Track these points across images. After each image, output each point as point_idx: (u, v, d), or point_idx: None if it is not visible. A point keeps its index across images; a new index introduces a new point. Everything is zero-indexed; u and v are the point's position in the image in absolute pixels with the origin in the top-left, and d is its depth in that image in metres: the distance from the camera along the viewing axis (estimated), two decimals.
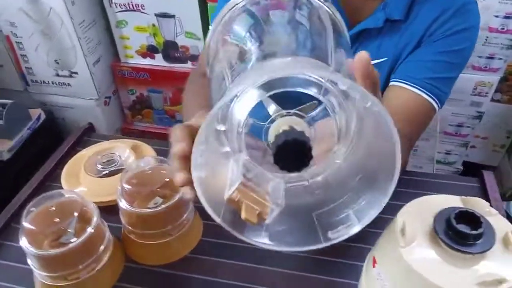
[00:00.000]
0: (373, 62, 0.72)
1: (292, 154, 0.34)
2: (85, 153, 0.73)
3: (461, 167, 1.56)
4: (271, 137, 0.36)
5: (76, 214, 0.54)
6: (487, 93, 1.35)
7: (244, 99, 0.37)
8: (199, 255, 0.62)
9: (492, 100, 1.40)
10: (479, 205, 0.46)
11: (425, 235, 0.44)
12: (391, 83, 0.69)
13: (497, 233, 0.43)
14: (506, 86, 1.38)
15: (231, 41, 0.43)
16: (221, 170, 0.39)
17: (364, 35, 0.70)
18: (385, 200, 0.37)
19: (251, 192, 0.38)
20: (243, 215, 0.37)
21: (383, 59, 0.71)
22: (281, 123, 0.36)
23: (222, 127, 0.38)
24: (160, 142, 0.80)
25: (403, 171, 0.73)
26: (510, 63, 1.31)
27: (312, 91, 0.37)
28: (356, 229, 0.40)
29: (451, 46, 0.67)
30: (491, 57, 1.28)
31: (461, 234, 0.41)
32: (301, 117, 0.38)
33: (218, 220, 0.36)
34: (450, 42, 0.67)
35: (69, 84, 1.52)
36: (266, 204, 0.38)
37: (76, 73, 1.48)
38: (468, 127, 1.45)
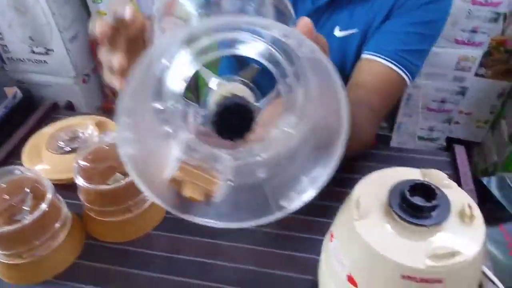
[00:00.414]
0: (344, 33, 0.69)
1: (233, 119, 0.32)
2: (47, 130, 0.71)
3: (445, 143, 1.55)
4: (211, 106, 0.34)
5: (28, 190, 0.52)
6: (470, 67, 1.33)
7: (179, 70, 0.35)
8: (162, 232, 0.61)
9: (476, 75, 1.38)
10: (437, 177, 0.45)
11: (380, 208, 0.43)
12: (362, 56, 0.67)
13: (453, 206, 0.41)
14: (490, 60, 1.36)
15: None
16: (163, 151, 0.37)
17: (335, 4, 0.68)
18: (334, 161, 0.36)
19: (197, 170, 0.36)
20: (187, 193, 0.35)
21: (354, 31, 0.68)
22: (222, 90, 0.34)
23: (159, 105, 0.35)
24: None
25: (372, 145, 0.71)
26: (494, 37, 1.29)
27: (255, 55, 0.35)
28: (309, 194, 0.39)
29: (423, 17, 0.65)
30: (474, 31, 1.26)
31: (414, 207, 0.40)
32: (245, 84, 0.36)
33: (155, 199, 0.35)
34: (422, 13, 0.64)
35: (45, 61, 1.48)
36: (214, 181, 0.36)
37: (52, 50, 1.44)
38: (452, 102, 1.44)
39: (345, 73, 0.72)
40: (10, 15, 1.37)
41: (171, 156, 0.36)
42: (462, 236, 0.40)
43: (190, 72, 0.34)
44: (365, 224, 0.42)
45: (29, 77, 1.53)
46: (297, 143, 0.40)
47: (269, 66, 0.35)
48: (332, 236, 0.47)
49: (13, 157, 0.71)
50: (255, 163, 0.40)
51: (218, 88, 0.35)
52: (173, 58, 0.34)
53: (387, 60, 0.65)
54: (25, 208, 0.54)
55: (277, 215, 0.38)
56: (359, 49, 0.70)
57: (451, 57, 1.32)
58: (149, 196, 0.34)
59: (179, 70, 0.35)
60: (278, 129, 0.39)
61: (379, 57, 0.65)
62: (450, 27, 1.26)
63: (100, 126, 0.71)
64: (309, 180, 0.39)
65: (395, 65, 0.65)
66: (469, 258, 0.39)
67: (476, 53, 1.31)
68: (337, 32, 0.69)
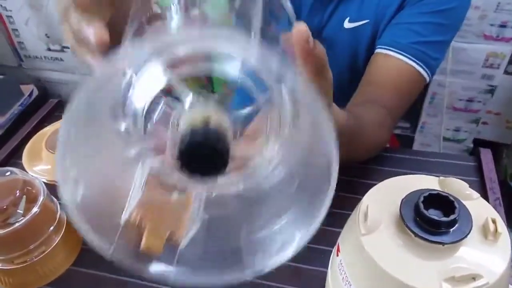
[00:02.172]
0: (354, 24, 0.64)
1: (200, 159, 0.26)
2: (49, 129, 0.69)
3: (472, 145, 1.47)
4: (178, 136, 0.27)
5: (18, 192, 0.50)
6: (499, 65, 1.25)
7: (146, 81, 0.28)
8: None
9: (506, 72, 1.30)
10: (457, 187, 0.40)
11: (390, 221, 0.38)
12: (376, 50, 0.63)
13: (475, 221, 0.36)
14: None
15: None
16: (123, 183, 0.30)
17: None
18: (314, 224, 0.29)
19: (159, 209, 0.30)
20: (142, 244, 0.28)
21: (364, 21, 0.63)
22: (192, 115, 0.27)
23: (122, 125, 0.28)
24: None
25: (392, 147, 0.66)
26: None
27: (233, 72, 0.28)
28: (287, 253, 0.31)
29: (440, 5, 0.59)
30: (503, 25, 1.18)
31: (429, 221, 0.35)
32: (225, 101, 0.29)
33: (107, 252, 0.28)
34: (438, 0, 0.59)
35: (61, 59, 1.48)
36: (182, 223, 0.31)
37: (67, 47, 1.44)
38: (479, 102, 1.36)
39: (358, 66, 0.67)
40: (26, 12, 1.37)
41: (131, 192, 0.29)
42: (484, 255, 0.36)
43: (159, 86, 0.28)
44: (374, 240, 0.37)
45: (45, 75, 1.54)
46: (280, 179, 0.34)
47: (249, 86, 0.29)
48: (338, 249, 0.42)
49: (15, 157, 0.70)
50: (230, 195, 0.32)
51: (189, 111, 0.28)
52: (141, 68, 0.28)
53: (402, 54, 0.60)
54: (19, 211, 0.52)
55: (249, 274, 0.30)
56: (372, 41, 0.65)
57: (479, 53, 1.24)
58: (102, 251, 0.28)
59: (147, 82, 0.29)
60: (261, 157, 0.32)
61: (394, 51, 0.60)
62: (477, 21, 1.19)
63: None
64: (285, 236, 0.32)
65: (411, 59, 0.60)
66: (493, 281, 0.34)
67: (506, 49, 1.23)
68: (347, 24, 0.64)
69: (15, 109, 1.35)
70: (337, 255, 0.42)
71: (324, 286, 0.48)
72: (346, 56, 0.68)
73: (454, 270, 0.34)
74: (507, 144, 1.49)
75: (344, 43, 0.66)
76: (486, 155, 0.63)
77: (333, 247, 0.46)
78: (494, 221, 0.37)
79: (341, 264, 0.41)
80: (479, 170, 0.62)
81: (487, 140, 1.50)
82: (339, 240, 0.43)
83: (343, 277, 0.40)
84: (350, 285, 0.39)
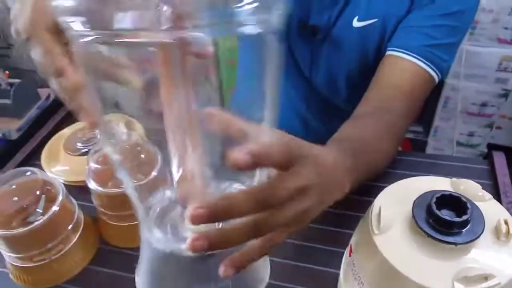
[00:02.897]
0: (363, 23, 0.64)
1: None
2: (67, 131, 0.70)
3: (486, 150, 1.46)
4: None
5: (38, 192, 0.51)
6: None
7: None
8: None
9: None
10: (470, 188, 0.40)
11: (403, 221, 0.38)
12: (387, 53, 0.63)
13: (487, 222, 0.37)
14: None
15: None
16: None
17: None
18: None
19: None
20: None
21: (373, 20, 0.64)
22: None
23: None
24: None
25: (404, 151, 0.67)
26: None
27: None
28: None
29: (449, 8, 0.60)
30: None
31: (442, 222, 0.35)
32: None
33: None
34: (447, 3, 0.60)
35: None
36: None
37: None
38: (493, 106, 1.35)
39: (368, 65, 0.68)
40: None
41: None
42: (496, 256, 0.36)
43: None
44: (386, 240, 0.37)
45: None
46: None
47: None
48: (351, 250, 0.43)
49: (33, 158, 0.72)
50: None
51: None
52: None
53: (414, 56, 0.60)
54: (38, 210, 0.53)
55: None
56: (380, 40, 0.65)
57: (493, 57, 1.23)
58: None
59: None
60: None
61: (406, 53, 0.61)
62: (491, 25, 1.18)
63: (128, 126, 0.70)
64: None
65: (423, 61, 0.60)
66: (505, 281, 0.34)
67: None
68: (356, 23, 0.65)
69: (32, 112, 1.38)
70: (350, 255, 0.43)
71: (336, 287, 0.48)
72: (355, 55, 0.68)
73: (466, 270, 0.34)
74: None
75: (353, 41, 0.66)
76: (500, 158, 0.63)
77: (344, 249, 0.46)
78: (506, 222, 0.37)
79: (354, 264, 0.41)
80: (493, 173, 0.61)
81: (502, 145, 1.48)
82: (352, 241, 0.43)
83: (355, 277, 0.41)
84: (363, 284, 0.39)
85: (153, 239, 0.35)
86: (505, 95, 1.32)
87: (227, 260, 0.31)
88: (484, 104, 1.35)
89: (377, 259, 0.37)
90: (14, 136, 1.31)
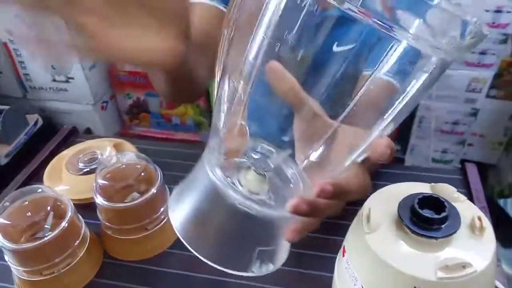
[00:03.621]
0: (342, 48, 0.70)
1: None
2: (67, 153, 0.74)
3: (459, 166, 1.54)
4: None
5: (49, 208, 0.54)
6: (481, 89, 1.34)
7: None
8: (177, 250, 0.62)
9: (488, 96, 1.38)
10: (447, 191, 0.46)
11: (390, 221, 0.43)
12: (365, 73, 0.69)
13: (463, 218, 0.42)
14: (501, 81, 1.36)
15: None
16: None
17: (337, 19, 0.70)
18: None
19: None
20: None
21: (351, 46, 0.70)
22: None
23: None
24: (145, 142, 0.81)
25: (385, 165, 0.72)
26: (504, 58, 1.30)
27: None
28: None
29: None
30: (483, 53, 1.27)
31: (424, 219, 0.40)
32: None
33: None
34: None
35: (65, 90, 1.54)
36: None
37: (72, 78, 1.50)
38: (464, 124, 1.44)
39: (346, 89, 0.73)
40: None
41: None
42: (472, 248, 0.41)
43: None
44: (376, 238, 0.42)
45: (50, 105, 1.59)
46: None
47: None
48: (344, 250, 0.47)
49: (34, 179, 0.74)
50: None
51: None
52: None
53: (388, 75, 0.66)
54: (46, 226, 0.56)
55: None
56: (357, 65, 0.71)
57: (462, 78, 1.33)
58: None
59: None
60: None
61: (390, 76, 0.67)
62: None
63: (117, 147, 0.74)
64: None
65: (392, 77, 0.66)
66: (480, 269, 0.39)
67: (487, 75, 1.32)
68: (335, 48, 0.70)
69: (21, 138, 1.39)
70: (343, 256, 0.47)
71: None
72: (335, 78, 0.73)
73: (447, 260, 0.39)
74: (493, 165, 1.56)
75: (333, 66, 0.71)
76: (472, 169, 0.69)
77: (335, 254, 0.51)
78: (480, 219, 0.42)
79: (347, 263, 0.46)
80: (466, 182, 0.68)
81: (473, 161, 1.57)
82: (345, 242, 0.48)
83: (349, 274, 0.45)
84: (357, 280, 0.44)
85: (212, 174, 0.35)
86: (474, 114, 1.42)
87: (292, 228, 0.34)
88: (456, 123, 1.44)
89: (369, 255, 0.42)
90: (3, 161, 1.32)
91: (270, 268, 0.38)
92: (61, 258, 0.55)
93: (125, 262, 0.60)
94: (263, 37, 0.31)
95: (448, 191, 0.46)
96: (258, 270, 0.37)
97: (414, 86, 0.29)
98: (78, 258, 0.57)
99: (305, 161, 0.35)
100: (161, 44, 0.37)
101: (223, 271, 0.57)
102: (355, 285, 0.44)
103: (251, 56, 0.32)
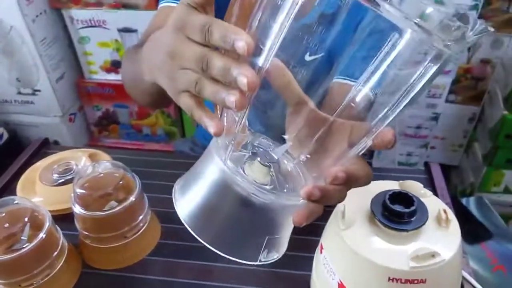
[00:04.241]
0: (313, 57, 0.73)
1: None
2: (40, 164, 0.73)
3: (423, 168, 1.60)
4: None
5: (26, 219, 0.54)
6: (441, 94, 1.41)
7: None
8: (157, 257, 0.62)
9: (447, 101, 1.46)
10: (414, 187, 0.49)
11: (364, 217, 0.46)
12: (335, 80, 0.72)
13: (430, 212, 0.45)
14: (459, 87, 1.44)
15: None
16: None
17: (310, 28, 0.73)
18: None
19: None
20: None
21: (321, 55, 0.73)
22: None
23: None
24: (118, 151, 0.81)
25: None
26: (461, 65, 1.38)
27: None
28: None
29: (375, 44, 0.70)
30: None
31: (395, 213, 0.43)
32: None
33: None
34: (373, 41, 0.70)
35: (32, 102, 1.50)
36: None
37: (39, 90, 1.47)
38: (426, 128, 1.51)
39: (317, 94, 0.76)
40: None
41: None
42: (440, 238, 0.44)
43: None
44: (351, 233, 0.45)
45: (15, 118, 1.55)
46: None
47: None
48: (322, 247, 0.50)
49: (7, 192, 0.73)
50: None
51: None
52: None
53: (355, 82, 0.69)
54: (23, 238, 0.55)
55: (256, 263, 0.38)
56: (328, 73, 0.74)
57: None
58: None
59: None
60: None
61: (349, 80, 0.70)
62: None
63: (92, 157, 0.73)
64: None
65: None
66: (448, 258, 0.42)
67: (445, 81, 1.39)
68: (307, 57, 0.73)
69: None
70: (321, 253, 0.49)
71: (309, 285, 0.54)
72: (307, 85, 0.76)
73: (417, 251, 0.42)
74: (455, 166, 1.64)
75: (304, 74, 0.74)
76: (436, 168, 0.73)
77: (312, 253, 0.53)
78: (445, 212, 0.45)
79: (325, 258, 0.48)
80: (431, 180, 0.72)
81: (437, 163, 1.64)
82: (322, 240, 0.50)
83: (327, 270, 0.47)
84: (335, 274, 0.46)
85: (222, 164, 0.35)
86: (435, 118, 1.49)
87: (301, 212, 0.35)
88: (418, 127, 1.51)
89: (345, 250, 0.44)
90: None
91: (275, 256, 0.39)
92: (40, 269, 0.54)
93: (104, 271, 0.60)
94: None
95: (415, 188, 0.49)
96: (265, 259, 0.38)
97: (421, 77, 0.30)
98: (56, 269, 0.56)
99: (304, 154, 0.37)
100: None
101: (203, 273, 0.59)
102: (333, 279, 0.47)
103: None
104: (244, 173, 0.35)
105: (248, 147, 0.37)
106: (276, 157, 0.36)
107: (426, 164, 0.78)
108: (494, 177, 1.41)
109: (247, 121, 0.35)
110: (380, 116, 0.33)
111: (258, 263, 0.37)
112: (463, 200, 1.27)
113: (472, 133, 1.54)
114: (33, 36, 1.36)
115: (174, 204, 0.37)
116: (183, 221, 0.36)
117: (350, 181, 0.34)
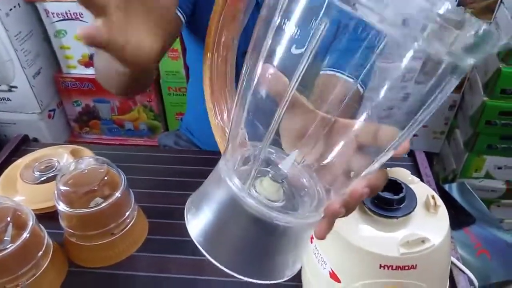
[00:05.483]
0: (299, 51, 0.73)
1: None
2: (21, 161, 0.71)
3: (406, 156, 1.63)
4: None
5: (9, 219, 0.52)
6: None
7: None
8: (146, 253, 0.61)
9: None
10: (402, 174, 0.49)
11: None
12: (322, 72, 0.72)
13: (419, 198, 0.45)
14: None
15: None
16: None
17: None
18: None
19: None
20: None
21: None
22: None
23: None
24: (101, 147, 0.79)
25: None
26: None
27: None
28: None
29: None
30: None
31: (384, 200, 0.44)
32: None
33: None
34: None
35: (8, 99, 1.46)
36: None
37: (15, 87, 1.42)
38: None
39: (306, 87, 0.76)
40: None
41: None
42: (429, 224, 0.44)
43: None
44: (342, 222, 0.44)
45: None
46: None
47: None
48: (312, 237, 0.49)
49: None
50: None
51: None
52: None
53: (342, 73, 0.69)
54: (6, 238, 0.54)
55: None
56: (312, 65, 0.75)
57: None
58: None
59: None
60: None
61: (337, 71, 0.70)
62: None
63: (74, 154, 0.72)
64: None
65: (351, 78, 0.70)
66: (437, 243, 0.42)
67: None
68: (294, 50, 0.73)
69: None
70: (311, 242, 0.49)
71: (299, 277, 0.54)
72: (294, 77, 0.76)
73: (407, 237, 0.42)
74: (437, 153, 1.67)
75: (291, 67, 0.75)
76: (421, 155, 0.74)
77: None
78: (433, 197, 0.46)
79: (316, 248, 0.48)
80: (416, 167, 0.72)
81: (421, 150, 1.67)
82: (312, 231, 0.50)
83: (318, 260, 0.47)
84: (326, 264, 0.46)
85: (231, 184, 0.34)
86: None
87: (322, 226, 0.34)
88: None
89: (336, 239, 0.44)
90: None
91: (299, 265, 0.38)
92: (25, 270, 0.53)
93: (91, 269, 0.59)
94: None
95: (403, 174, 0.49)
96: (291, 272, 0.36)
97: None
98: (42, 269, 0.55)
99: (312, 160, 0.36)
100: (155, 44, 0.40)
101: (193, 267, 0.58)
102: (324, 269, 0.47)
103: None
104: (256, 191, 0.34)
105: (254, 160, 0.35)
106: (285, 171, 0.35)
107: (411, 152, 0.79)
108: (475, 163, 1.43)
109: (246, 134, 0.34)
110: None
111: (286, 278, 0.36)
112: (446, 186, 1.29)
113: (453, 121, 1.56)
114: (8, 31, 1.32)
115: (187, 226, 0.35)
116: (198, 245, 0.35)
117: (373, 192, 0.34)
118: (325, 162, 0.34)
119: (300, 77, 0.32)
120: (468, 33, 0.24)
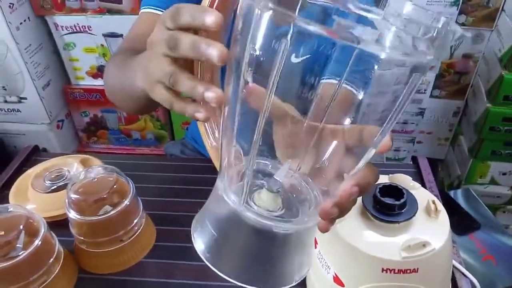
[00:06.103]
0: (299, 59, 0.74)
1: None
2: (32, 171, 0.73)
3: (411, 163, 1.63)
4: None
5: (21, 227, 0.54)
6: (425, 89, 1.43)
7: None
8: (154, 259, 0.63)
9: (432, 96, 1.49)
10: (403, 180, 0.50)
11: (356, 210, 0.47)
12: (321, 81, 0.73)
13: (420, 203, 0.47)
14: (443, 82, 1.47)
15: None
16: None
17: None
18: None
19: None
20: None
21: (306, 56, 0.74)
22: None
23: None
24: (110, 156, 0.81)
25: None
26: (443, 60, 1.41)
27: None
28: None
29: None
30: None
31: (386, 205, 0.45)
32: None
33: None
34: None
35: (18, 110, 1.49)
36: None
37: (25, 98, 1.45)
38: (413, 123, 1.53)
39: (304, 95, 0.78)
40: None
41: None
42: (430, 228, 0.46)
43: None
44: (345, 227, 0.46)
45: (1, 127, 1.53)
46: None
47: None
48: (316, 243, 0.51)
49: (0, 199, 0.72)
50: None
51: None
52: None
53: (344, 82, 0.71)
54: (18, 245, 0.55)
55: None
56: (312, 74, 0.76)
57: None
58: None
59: None
60: None
61: (335, 79, 0.71)
62: None
63: (84, 163, 0.74)
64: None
65: (350, 85, 0.71)
66: (438, 247, 0.43)
67: (429, 76, 1.42)
68: (293, 59, 0.74)
69: None
70: (315, 247, 0.50)
71: (304, 281, 0.55)
72: (297, 86, 0.77)
73: (409, 241, 0.43)
74: (441, 159, 1.67)
75: (293, 75, 0.76)
76: (423, 162, 0.75)
77: None
78: (434, 202, 0.47)
79: (320, 253, 0.49)
80: (419, 173, 0.73)
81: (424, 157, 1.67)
82: (316, 235, 0.51)
83: (322, 264, 0.48)
84: (330, 268, 0.47)
85: (229, 201, 0.35)
86: (421, 113, 1.51)
87: (324, 224, 0.35)
88: (405, 122, 1.53)
89: (339, 244, 0.45)
90: None
91: (307, 269, 0.39)
92: (36, 276, 0.54)
93: (101, 276, 0.61)
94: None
95: (404, 180, 0.51)
96: (299, 276, 0.37)
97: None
98: (53, 276, 0.56)
99: (305, 168, 0.37)
100: None
101: (200, 273, 0.59)
102: (328, 273, 0.48)
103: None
104: (255, 204, 0.35)
105: (252, 174, 0.36)
106: (280, 181, 0.36)
107: (414, 158, 0.80)
108: (480, 169, 1.44)
109: (241, 150, 0.35)
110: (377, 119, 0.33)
111: (294, 283, 0.37)
112: (451, 193, 1.29)
113: (457, 127, 1.56)
114: (18, 44, 1.35)
115: (193, 243, 0.37)
116: (205, 260, 0.36)
117: (363, 190, 0.35)
118: (318, 167, 0.36)
119: (274, 89, 0.33)
120: (429, 34, 0.26)
